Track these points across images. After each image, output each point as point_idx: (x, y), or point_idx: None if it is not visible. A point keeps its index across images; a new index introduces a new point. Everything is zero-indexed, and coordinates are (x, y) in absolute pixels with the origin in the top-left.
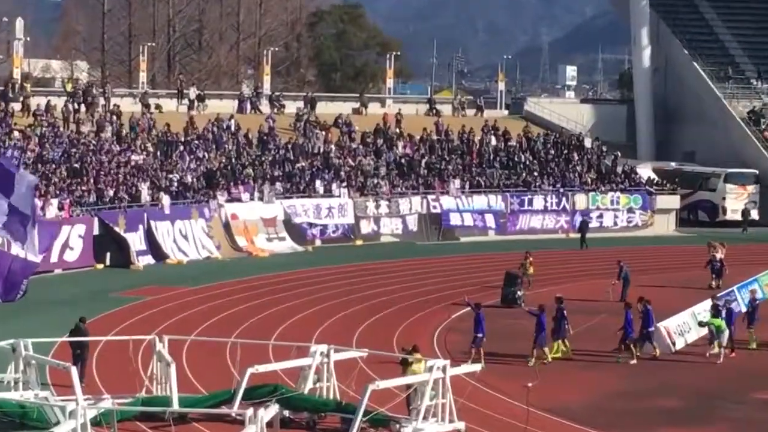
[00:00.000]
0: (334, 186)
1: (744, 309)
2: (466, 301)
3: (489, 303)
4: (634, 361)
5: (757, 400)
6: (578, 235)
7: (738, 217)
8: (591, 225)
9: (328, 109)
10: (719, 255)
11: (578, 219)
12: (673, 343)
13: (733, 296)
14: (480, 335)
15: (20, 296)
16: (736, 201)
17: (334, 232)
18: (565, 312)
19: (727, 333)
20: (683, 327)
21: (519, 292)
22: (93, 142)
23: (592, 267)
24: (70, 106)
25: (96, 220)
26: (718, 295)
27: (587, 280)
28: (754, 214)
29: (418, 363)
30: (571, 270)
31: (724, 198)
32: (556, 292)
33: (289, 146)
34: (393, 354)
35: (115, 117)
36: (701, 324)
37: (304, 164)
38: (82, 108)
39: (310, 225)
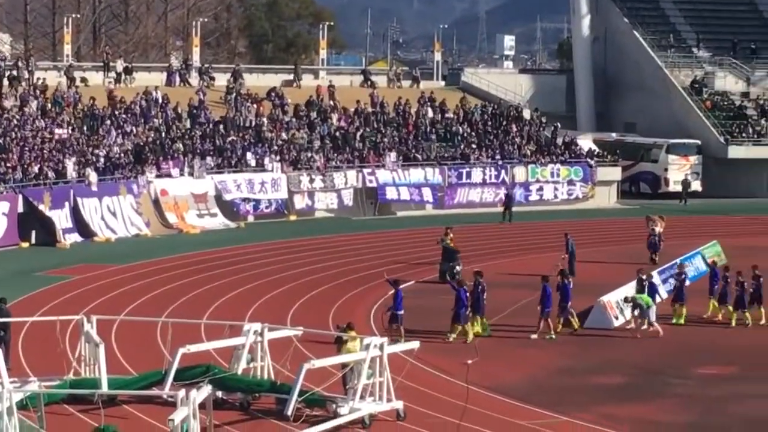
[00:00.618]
0: (266, 160)
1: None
2: (386, 278)
3: (427, 279)
4: (553, 336)
5: (700, 375)
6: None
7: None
8: (531, 198)
9: (259, 81)
10: (658, 229)
11: (503, 191)
12: (615, 318)
13: (674, 269)
14: (400, 312)
15: None
16: (678, 172)
17: (267, 207)
18: (484, 287)
19: (654, 308)
20: (621, 303)
21: (457, 267)
22: (17, 117)
23: (532, 241)
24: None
25: (20, 197)
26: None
27: (529, 254)
28: (696, 186)
29: (353, 341)
30: (512, 244)
31: (666, 169)
32: (497, 266)
33: (220, 120)
34: (329, 332)
35: (38, 91)
36: (627, 300)
37: (235, 138)
38: (5, 82)
39: (244, 200)
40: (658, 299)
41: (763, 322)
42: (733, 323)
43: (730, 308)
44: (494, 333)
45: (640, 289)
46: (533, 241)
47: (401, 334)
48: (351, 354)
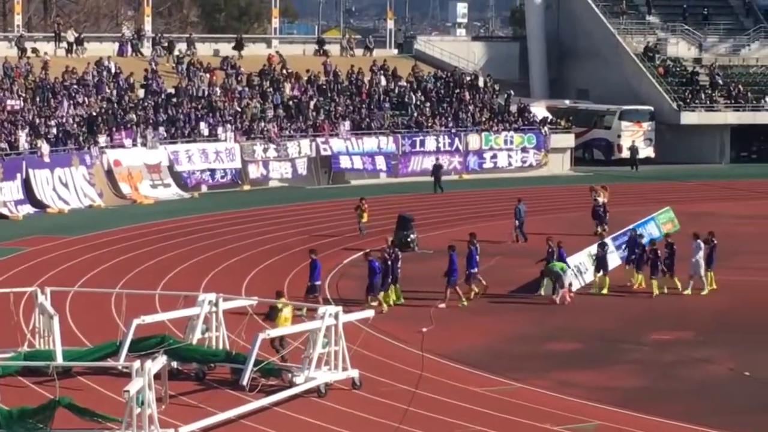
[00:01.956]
0: (219, 130)
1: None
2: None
3: (379, 248)
4: (464, 303)
5: (654, 341)
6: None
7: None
8: (485, 165)
9: (211, 50)
10: (601, 199)
11: (431, 163)
12: (570, 284)
13: (627, 236)
14: (317, 283)
15: None
16: (631, 139)
17: (222, 177)
18: (398, 255)
19: (569, 273)
20: (580, 268)
21: (412, 236)
22: None
23: (486, 208)
24: None
25: None
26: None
27: (483, 221)
28: (648, 152)
29: (286, 308)
30: (466, 211)
31: (619, 136)
32: (452, 234)
33: (172, 90)
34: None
35: None
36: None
37: (188, 108)
38: None
39: (193, 173)
40: (611, 266)
41: (687, 290)
42: (656, 291)
43: (640, 276)
44: (450, 301)
45: (549, 258)
46: (487, 209)
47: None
48: (286, 321)
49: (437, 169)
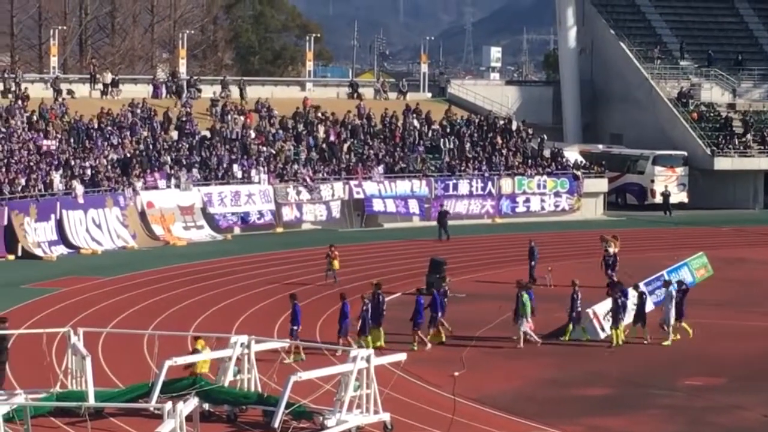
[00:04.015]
0: (253, 172)
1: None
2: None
3: (412, 291)
4: (429, 346)
5: (686, 387)
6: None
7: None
8: (518, 210)
9: (246, 93)
10: (612, 249)
11: (435, 209)
12: (602, 329)
13: (662, 281)
14: (296, 327)
15: None
16: (664, 184)
17: (257, 219)
18: (384, 298)
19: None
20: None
21: (446, 279)
22: (2, 129)
23: (518, 252)
24: None
25: (6, 210)
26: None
27: (514, 265)
28: (681, 197)
29: (205, 350)
30: (498, 255)
31: (652, 180)
32: (483, 278)
33: (206, 132)
34: (316, 343)
35: (23, 103)
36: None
37: (222, 150)
38: None
39: (224, 216)
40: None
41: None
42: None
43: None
44: (481, 345)
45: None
46: (519, 253)
47: (300, 349)
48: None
49: (443, 216)
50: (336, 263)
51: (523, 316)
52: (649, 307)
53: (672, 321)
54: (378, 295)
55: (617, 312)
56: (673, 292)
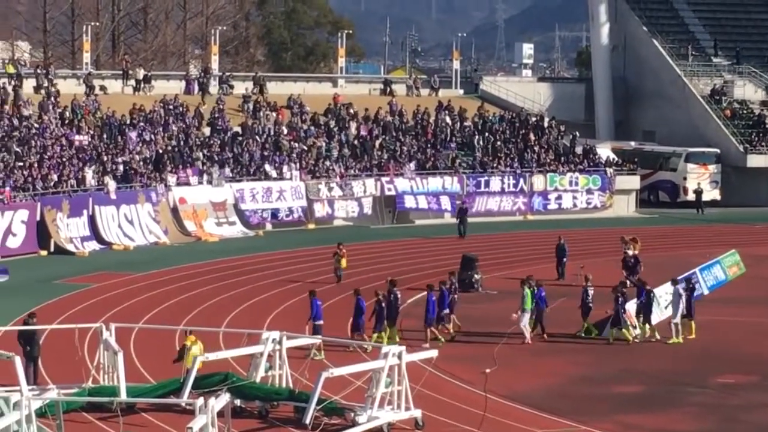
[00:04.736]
0: (285, 169)
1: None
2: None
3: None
4: (426, 345)
5: (718, 384)
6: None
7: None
8: (549, 207)
9: (278, 89)
10: (632, 252)
11: (456, 205)
12: (634, 327)
13: (695, 278)
14: (319, 322)
15: None
16: (697, 181)
17: (287, 216)
18: (398, 295)
19: (528, 314)
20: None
21: (476, 276)
22: (36, 126)
23: (550, 249)
24: (10, 89)
25: (39, 205)
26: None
27: (547, 262)
28: (714, 194)
29: (195, 345)
30: (529, 252)
31: (685, 178)
32: (515, 275)
33: (238, 128)
34: (348, 340)
35: (56, 99)
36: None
37: (253, 147)
38: (24, 90)
39: (255, 212)
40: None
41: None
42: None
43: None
44: (513, 342)
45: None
46: (550, 250)
47: (320, 347)
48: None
49: (463, 212)
50: (344, 262)
51: (523, 310)
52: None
53: (678, 319)
54: (392, 293)
55: (618, 311)
56: (681, 291)
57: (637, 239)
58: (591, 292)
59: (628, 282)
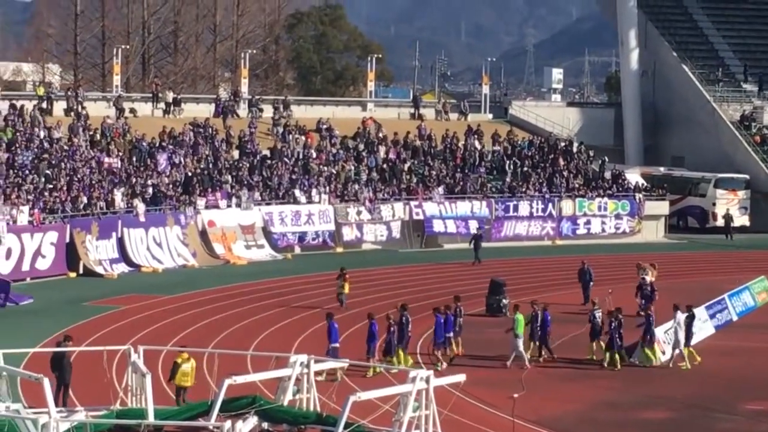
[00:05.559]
0: (313, 192)
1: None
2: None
3: (473, 312)
4: (444, 365)
5: (747, 411)
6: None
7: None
8: (578, 232)
9: (307, 113)
10: (649, 278)
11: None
12: (663, 353)
13: (723, 304)
14: (335, 345)
15: None
16: (726, 207)
17: (314, 239)
18: (409, 319)
19: (521, 339)
20: (671, 336)
21: (504, 301)
22: (65, 148)
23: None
24: (39, 111)
25: (68, 227)
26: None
27: (575, 287)
28: (743, 220)
29: (185, 363)
30: (557, 277)
31: (714, 203)
32: (542, 300)
33: (267, 151)
34: (375, 365)
35: (85, 121)
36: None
37: (282, 170)
38: (54, 112)
39: (284, 235)
40: (704, 334)
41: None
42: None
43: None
44: (540, 366)
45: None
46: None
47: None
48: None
49: (477, 238)
50: (347, 287)
51: (515, 335)
52: (709, 330)
53: (682, 345)
54: (403, 317)
55: (612, 337)
56: (679, 316)
57: (655, 265)
58: (598, 315)
59: (641, 311)
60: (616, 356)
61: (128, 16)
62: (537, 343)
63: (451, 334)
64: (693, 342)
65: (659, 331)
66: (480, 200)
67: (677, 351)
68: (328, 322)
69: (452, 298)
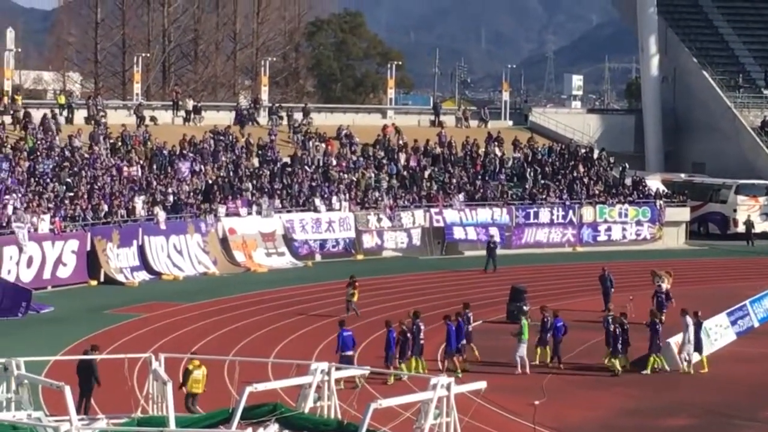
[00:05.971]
0: (334, 199)
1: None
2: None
3: (493, 319)
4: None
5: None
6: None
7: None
8: (599, 238)
9: (327, 120)
10: (665, 285)
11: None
12: (686, 360)
13: (745, 311)
14: (350, 353)
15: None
16: (747, 213)
17: (334, 246)
18: (422, 327)
19: (525, 344)
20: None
21: (525, 307)
22: (86, 156)
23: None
24: (62, 119)
25: (89, 235)
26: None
27: (596, 294)
28: (764, 227)
29: (197, 369)
30: (579, 284)
31: (735, 210)
32: (563, 306)
33: (288, 159)
34: (396, 372)
35: (105, 128)
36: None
37: (302, 177)
38: (75, 121)
39: (305, 242)
40: (725, 341)
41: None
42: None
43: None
44: (561, 374)
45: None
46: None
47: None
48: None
49: (491, 246)
50: (356, 295)
51: (520, 341)
52: (730, 337)
53: (692, 351)
54: (415, 325)
55: (614, 342)
56: (688, 322)
57: (671, 272)
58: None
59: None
60: (616, 361)
61: (149, 24)
62: (547, 349)
63: (464, 342)
64: (713, 349)
65: (673, 340)
66: (500, 207)
67: (684, 355)
68: (339, 331)
69: (462, 306)
